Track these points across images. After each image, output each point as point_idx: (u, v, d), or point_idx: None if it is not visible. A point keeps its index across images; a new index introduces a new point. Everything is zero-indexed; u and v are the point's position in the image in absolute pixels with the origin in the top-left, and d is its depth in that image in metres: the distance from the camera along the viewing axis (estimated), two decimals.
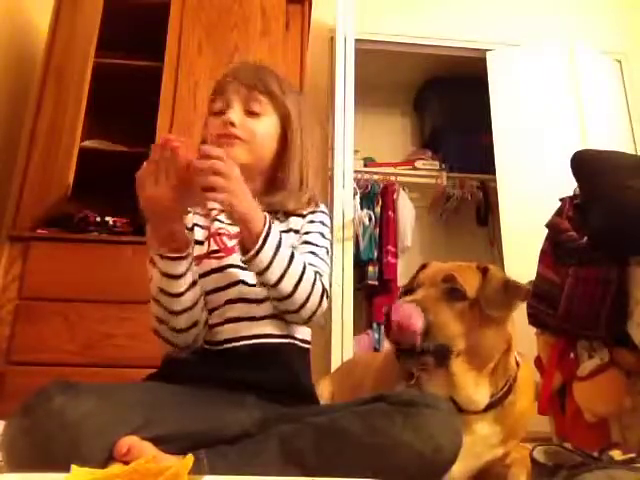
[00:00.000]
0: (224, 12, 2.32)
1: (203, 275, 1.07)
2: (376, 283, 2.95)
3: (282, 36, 2.34)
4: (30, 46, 2.55)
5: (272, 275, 0.97)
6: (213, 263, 1.08)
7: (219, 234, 1.12)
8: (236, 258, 1.07)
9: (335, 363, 2.15)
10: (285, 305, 1.02)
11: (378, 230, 3.04)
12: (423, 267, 1.19)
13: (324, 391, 1.48)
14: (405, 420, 0.83)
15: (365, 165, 3.29)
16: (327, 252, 1.15)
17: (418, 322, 1.00)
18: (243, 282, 1.07)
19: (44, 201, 2.06)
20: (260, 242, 0.95)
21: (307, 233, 1.15)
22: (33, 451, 0.76)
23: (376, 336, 2.89)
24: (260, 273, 0.98)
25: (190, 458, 0.66)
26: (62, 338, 1.88)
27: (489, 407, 1.07)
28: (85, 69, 2.09)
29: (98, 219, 2.09)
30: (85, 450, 0.76)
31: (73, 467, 0.66)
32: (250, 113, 1.12)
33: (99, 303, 1.94)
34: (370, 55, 3.02)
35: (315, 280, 1.03)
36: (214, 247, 1.11)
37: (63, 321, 1.90)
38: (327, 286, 1.07)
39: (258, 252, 0.95)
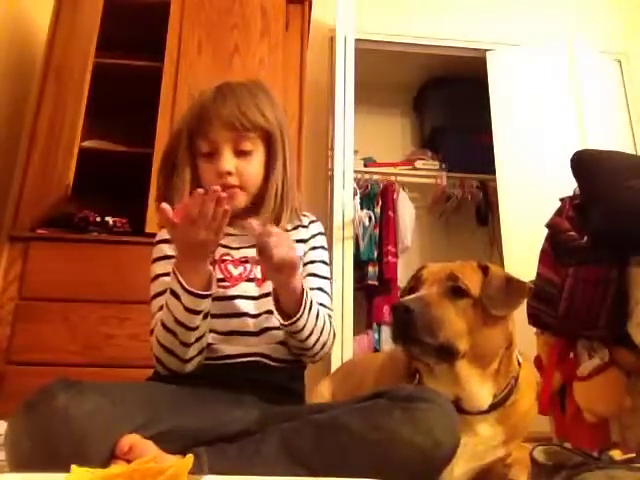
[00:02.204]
0: (224, 12, 2.32)
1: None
2: (376, 283, 2.95)
3: (282, 36, 2.34)
4: (30, 46, 2.55)
5: (302, 334, 1.04)
6: (218, 291, 1.08)
7: (223, 261, 1.12)
8: (241, 289, 1.10)
9: (335, 363, 2.15)
10: (303, 352, 1.09)
11: (378, 230, 3.04)
12: (421, 269, 1.18)
13: (324, 392, 1.47)
14: (404, 415, 0.84)
15: (365, 165, 3.29)
16: (329, 281, 1.19)
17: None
18: (247, 314, 1.08)
19: (44, 201, 2.06)
20: (301, 310, 1.01)
21: (312, 262, 1.17)
22: (36, 449, 0.76)
23: (376, 336, 2.89)
24: (295, 333, 1.03)
25: (190, 458, 0.66)
26: (62, 338, 1.88)
27: (491, 408, 1.07)
28: (85, 69, 2.09)
29: (98, 219, 2.09)
30: (88, 448, 0.76)
31: (73, 467, 0.66)
32: (241, 152, 1.09)
33: (99, 303, 1.94)
34: (370, 55, 3.02)
35: (330, 330, 1.10)
36: (219, 275, 1.10)
37: (63, 321, 1.90)
38: (335, 329, 1.14)
39: (299, 319, 1.01)
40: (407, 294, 1.11)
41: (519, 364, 1.12)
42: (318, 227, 1.23)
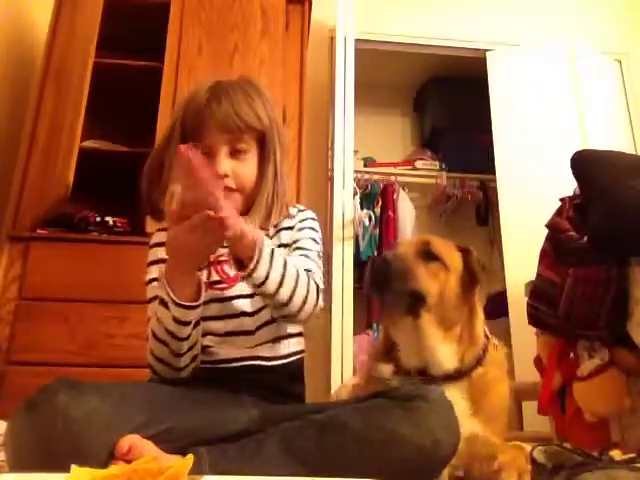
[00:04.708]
0: (224, 12, 2.32)
1: (203, 303, 1.05)
2: None
3: (282, 36, 2.34)
4: (30, 46, 2.55)
5: (270, 286, 0.97)
6: (215, 293, 1.08)
7: (219, 262, 1.11)
8: (238, 288, 1.08)
9: (335, 362, 2.15)
10: (284, 311, 1.02)
11: (378, 230, 3.04)
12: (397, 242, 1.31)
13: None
14: (404, 414, 0.84)
15: (365, 165, 3.29)
16: (319, 255, 1.16)
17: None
18: (244, 313, 1.08)
19: (44, 201, 2.06)
20: (256, 257, 0.95)
21: (297, 240, 1.16)
22: (36, 448, 0.76)
23: (376, 336, 2.89)
24: (258, 286, 0.98)
25: (190, 458, 0.66)
26: (62, 338, 1.88)
27: (459, 376, 1.12)
28: (85, 69, 2.09)
29: (98, 219, 2.09)
30: (88, 447, 0.76)
31: (73, 467, 0.66)
32: (236, 153, 1.09)
33: (99, 303, 1.94)
34: (370, 55, 3.02)
35: (309, 281, 1.03)
36: (215, 277, 1.09)
37: (63, 321, 1.90)
38: (321, 284, 1.07)
39: (255, 267, 0.95)
40: None
41: (487, 338, 1.19)
42: (308, 214, 1.21)
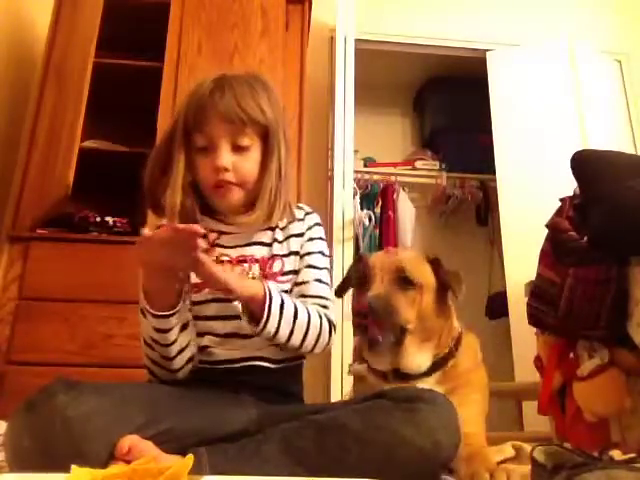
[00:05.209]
0: (224, 12, 2.32)
1: (202, 302, 1.06)
2: None
3: (282, 36, 2.34)
4: (30, 46, 2.55)
5: (281, 338, 1.00)
6: (215, 293, 1.07)
7: (221, 262, 1.09)
8: None
9: (335, 362, 2.15)
10: (297, 352, 1.06)
11: (378, 230, 3.04)
12: (360, 259, 1.27)
13: None
14: (405, 415, 0.84)
15: (365, 165, 3.29)
16: (329, 271, 1.17)
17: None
18: None
19: (44, 201, 2.06)
20: (265, 315, 0.97)
21: (309, 254, 1.15)
22: (36, 449, 0.76)
23: None
24: (270, 339, 1.01)
25: (190, 458, 0.66)
26: (62, 338, 1.88)
27: (433, 369, 1.15)
28: (85, 69, 2.09)
29: (98, 219, 2.09)
30: (87, 448, 0.76)
31: (73, 467, 0.66)
32: (238, 147, 1.07)
33: (99, 303, 1.94)
34: (370, 55, 3.02)
35: (322, 322, 1.06)
36: None
37: (63, 321, 1.90)
38: (333, 318, 1.09)
39: (265, 325, 0.98)
40: (360, 282, 1.20)
41: (460, 331, 1.22)
42: (315, 218, 1.21)
